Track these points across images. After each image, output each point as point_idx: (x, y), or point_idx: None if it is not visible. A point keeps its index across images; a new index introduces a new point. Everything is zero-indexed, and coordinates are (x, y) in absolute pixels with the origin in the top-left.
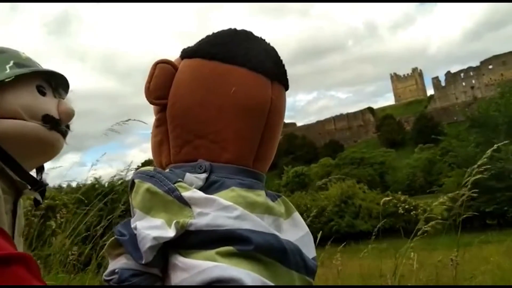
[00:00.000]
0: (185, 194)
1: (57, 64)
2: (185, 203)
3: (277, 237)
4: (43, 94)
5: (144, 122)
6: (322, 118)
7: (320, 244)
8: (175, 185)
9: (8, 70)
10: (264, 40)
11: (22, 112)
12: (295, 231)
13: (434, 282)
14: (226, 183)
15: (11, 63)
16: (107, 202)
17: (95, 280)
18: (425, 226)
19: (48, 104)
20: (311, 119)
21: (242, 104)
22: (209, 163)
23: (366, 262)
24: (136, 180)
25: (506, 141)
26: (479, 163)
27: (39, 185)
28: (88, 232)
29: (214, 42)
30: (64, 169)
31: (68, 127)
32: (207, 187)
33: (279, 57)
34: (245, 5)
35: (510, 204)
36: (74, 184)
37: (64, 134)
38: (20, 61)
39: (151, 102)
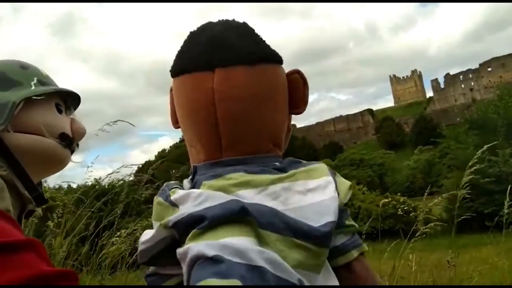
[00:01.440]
0: (172, 197)
1: (60, 65)
2: (175, 205)
3: (236, 201)
4: (60, 112)
5: (131, 124)
6: (322, 119)
7: None
8: (170, 191)
9: (33, 87)
10: (215, 26)
11: (44, 129)
12: (317, 195)
13: (432, 284)
14: (200, 180)
15: (35, 80)
16: (107, 202)
17: (94, 281)
18: (424, 228)
19: (65, 123)
20: (312, 121)
21: (190, 109)
22: (194, 166)
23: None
24: (155, 197)
25: (495, 142)
26: (470, 163)
27: (43, 201)
28: (86, 232)
29: (174, 59)
30: (65, 170)
31: (77, 145)
32: (192, 188)
33: (229, 38)
34: (246, 6)
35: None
36: (74, 185)
37: (73, 152)
38: (42, 78)
39: (174, 127)
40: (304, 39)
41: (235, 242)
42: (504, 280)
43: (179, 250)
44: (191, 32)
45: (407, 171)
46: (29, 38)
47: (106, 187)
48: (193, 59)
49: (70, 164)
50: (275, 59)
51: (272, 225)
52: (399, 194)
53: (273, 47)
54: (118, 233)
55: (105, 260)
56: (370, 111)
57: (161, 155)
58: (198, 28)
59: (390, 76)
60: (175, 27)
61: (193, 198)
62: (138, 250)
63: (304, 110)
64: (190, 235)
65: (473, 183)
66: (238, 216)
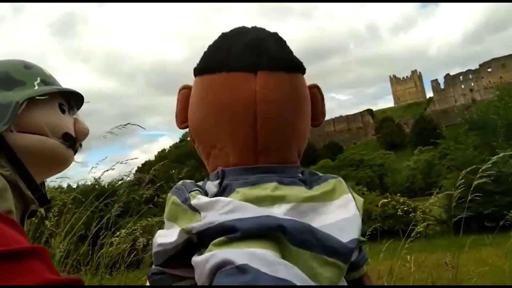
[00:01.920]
0: (193, 202)
1: (61, 65)
2: (195, 210)
3: (271, 217)
4: (63, 112)
5: (142, 127)
6: None
7: None
8: (189, 194)
9: (36, 87)
10: (252, 30)
11: (47, 129)
12: (339, 213)
13: (431, 284)
14: (233, 186)
15: (38, 79)
16: (107, 202)
17: (94, 280)
18: (418, 227)
19: (68, 123)
20: None
21: (225, 108)
22: (222, 169)
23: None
24: (169, 194)
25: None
26: (474, 166)
27: (45, 201)
28: (85, 231)
29: (202, 57)
30: (66, 170)
31: (81, 145)
32: (221, 192)
33: (269, 43)
34: (246, 6)
35: (509, 207)
36: (74, 185)
37: (76, 152)
38: (45, 78)
39: (179, 127)
40: (305, 39)
41: (264, 252)
42: (504, 281)
43: (198, 258)
44: (225, 33)
45: (407, 171)
46: (30, 38)
47: (106, 186)
48: (235, 59)
49: (72, 164)
50: (304, 70)
51: (306, 242)
52: (398, 194)
53: (263, 33)
54: (118, 233)
55: (104, 259)
56: (370, 111)
57: (161, 155)
58: (234, 30)
59: (390, 76)
60: (175, 28)
61: (221, 206)
62: (154, 251)
63: (322, 122)
64: (216, 241)
65: (473, 184)
66: (271, 232)
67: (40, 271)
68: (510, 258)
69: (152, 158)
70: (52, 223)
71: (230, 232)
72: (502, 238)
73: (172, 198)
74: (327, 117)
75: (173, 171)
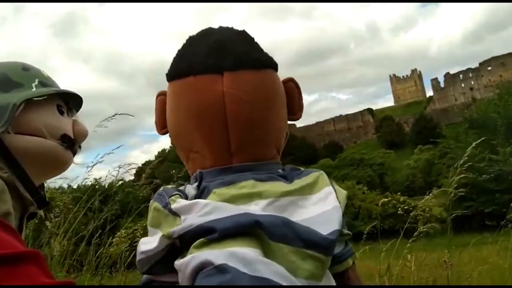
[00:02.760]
0: (173, 206)
1: (61, 65)
2: (176, 214)
3: (247, 214)
4: (61, 113)
5: (131, 115)
6: (322, 119)
7: None
8: (170, 199)
9: (34, 89)
10: (217, 31)
11: (45, 130)
12: (319, 206)
13: (431, 283)
14: (210, 188)
15: (36, 81)
16: (106, 202)
17: (93, 281)
18: (421, 228)
19: (66, 124)
20: (312, 120)
21: (196, 112)
22: (200, 172)
23: (365, 263)
24: (151, 201)
25: (483, 138)
26: (461, 161)
27: (44, 203)
28: (85, 232)
29: (172, 62)
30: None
31: (80, 147)
32: (200, 194)
33: (234, 43)
34: (246, 6)
35: (509, 205)
36: (75, 186)
37: (75, 154)
38: (43, 79)
39: (159, 133)
40: (305, 39)
41: (243, 251)
42: (504, 279)
43: (179, 261)
44: (191, 37)
45: (407, 170)
46: (31, 38)
47: (106, 187)
48: (200, 62)
49: (71, 165)
50: (275, 65)
51: (284, 237)
52: (399, 193)
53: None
54: (118, 233)
55: (104, 259)
56: (370, 110)
57: (161, 155)
58: (200, 33)
59: (390, 75)
60: (175, 28)
61: (200, 208)
62: (138, 259)
63: (300, 116)
64: (196, 243)
65: (473, 182)
66: (248, 229)
67: (35, 275)
68: (510, 257)
69: (153, 158)
70: (52, 224)
71: (209, 233)
72: (503, 237)
73: (154, 204)
74: (327, 117)
75: (173, 171)
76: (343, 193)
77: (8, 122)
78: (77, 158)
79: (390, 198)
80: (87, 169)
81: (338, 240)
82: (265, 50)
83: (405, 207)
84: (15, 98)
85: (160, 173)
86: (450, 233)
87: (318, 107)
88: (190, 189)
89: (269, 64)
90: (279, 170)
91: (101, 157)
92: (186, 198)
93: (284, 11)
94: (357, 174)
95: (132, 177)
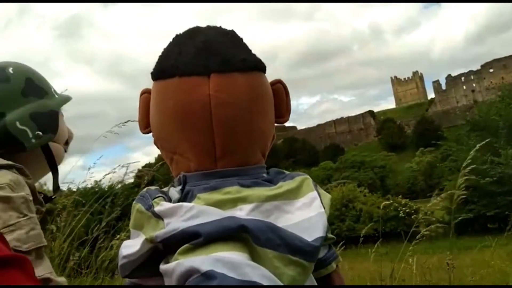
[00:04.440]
0: (156, 208)
1: (64, 67)
2: (159, 217)
3: (233, 219)
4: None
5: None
6: (324, 121)
7: None
8: (153, 201)
9: (56, 96)
10: (204, 31)
11: (60, 136)
12: (304, 211)
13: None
14: (194, 192)
15: (53, 89)
16: (106, 204)
17: (94, 284)
18: (423, 231)
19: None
20: (314, 122)
21: (181, 114)
22: (184, 175)
23: (367, 266)
24: (134, 202)
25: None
26: (464, 164)
27: (47, 199)
28: (86, 236)
29: (157, 61)
30: (65, 173)
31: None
32: (183, 198)
33: (221, 44)
34: (249, 7)
35: (511, 207)
36: (74, 188)
37: None
38: (52, 87)
39: (142, 132)
40: (308, 41)
41: (229, 256)
42: (506, 283)
43: (164, 266)
44: (178, 35)
45: (409, 173)
46: (35, 40)
47: (106, 189)
48: (186, 63)
49: (72, 167)
50: (263, 67)
51: (270, 242)
52: (400, 196)
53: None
54: (118, 236)
55: (104, 263)
56: (371, 112)
57: (162, 157)
58: (187, 32)
59: (391, 77)
60: (178, 30)
61: (184, 212)
62: (119, 264)
63: (288, 119)
64: (180, 249)
65: (474, 185)
66: (234, 233)
67: (19, 280)
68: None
69: (153, 160)
70: (54, 225)
71: (194, 238)
72: (505, 240)
73: (137, 206)
74: (328, 118)
75: None
76: (328, 196)
77: (56, 129)
78: (79, 160)
79: (391, 201)
80: (88, 170)
81: (323, 244)
82: (266, 51)
83: (407, 210)
84: (52, 105)
85: (161, 174)
86: (453, 236)
87: (320, 109)
88: (174, 192)
89: (257, 66)
90: (264, 175)
91: (97, 159)
92: (170, 200)
93: (287, 13)
94: (359, 176)
95: (132, 180)
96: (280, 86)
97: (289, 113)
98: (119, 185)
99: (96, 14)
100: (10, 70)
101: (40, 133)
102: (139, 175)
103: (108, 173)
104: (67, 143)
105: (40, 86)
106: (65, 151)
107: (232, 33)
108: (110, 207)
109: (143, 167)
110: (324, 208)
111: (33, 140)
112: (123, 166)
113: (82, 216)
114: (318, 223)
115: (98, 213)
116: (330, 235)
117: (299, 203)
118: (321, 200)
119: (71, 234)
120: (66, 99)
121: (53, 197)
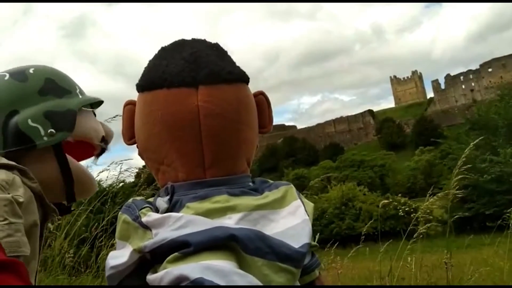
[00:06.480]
0: (144, 219)
1: (69, 67)
2: (146, 227)
3: (222, 228)
4: (95, 116)
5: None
6: (325, 120)
7: (320, 247)
8: (140, 212)
9: (80, 96)
10: (191, 43)
11: (93, 134)
12: (290, 219)
13: (432, 284)
14: (183, 201)
15: (78, 89)
16: (106, 203)
17: (95, 283)
18: (421, 229)
19: (100, 126)
20: (315, 122)
21: (170, 125)
22: (172, 185)
23: (366, 264)
24: (119, 213)
25: (481, 137)
26: (459, 162)
27: (67, 211)
28: (86, 234)
29: (143, 72)
30: None
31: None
32: (172, 208)
33: (208, 56)
34: (252, 7)
35: (509, 206)
36: None
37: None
38: (79, 87)
39: (127, 144)
40: (310, 41)
41: (218, 264)
42: (504, 281)
43: (151, 276)
44: (164, 48)
45: (408, 172)
46: (40, 40)
47: (106, 189)
48: (175, 74)
49: None
50: (247, 79)
51: (259, 250)
52: (400, 195)
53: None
54: None
55: (105, 261)
56: (371, 112)
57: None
58: (173, 44)
59: (390, 76)
60: (181, 30)
61: (173, 222)
62: (107, 275)
63: (270, 129)
64: (169, 258)
65: (474, 183)
66: (223, 242)
67: (14, 284)
68: (510, 258)
69: None
70: (54, 225)
71: (183, 247)
72: (503, 238)
73: (123, 216)
74: (327, 118)
75: None
76: (311, 205)
77: (72, 128)
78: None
79: (391, 200)
80: (101, 171)
81: (308, 250)
82: (268, 51)
83: (406, 209)
84: (71, 104)
85: None
86: (451, 234)
87: (321, 108)
88: (161, 202)
89: (242, 77)
90: (250, 184)
91: (108, 166)
92: (157, 211)
93: (289, 13)
94: (358, 175)
95: (132, 179)
96: (263, 97)
97: (271, 124)
98: (121, 184)
99: (99, 14)
100: (31, 70)
101: (54, 130)
102: (139, 172)
103: (102, 171)
104: (104, 141)
105: (61, 86)
106: (105, 148)
107: (217, 46)
108: (110, 206)
109: (143, 166)
110: (308, 216)
111: (45, 138)
112: (117, 164)
113: (82, 215)
114: (304, 229)
115: (98, 212)
116: (313, 243)
117: (284, 212)
118: (305, 208)
119: (71, 233)
120: (88, 100)
121: (70, 207)
